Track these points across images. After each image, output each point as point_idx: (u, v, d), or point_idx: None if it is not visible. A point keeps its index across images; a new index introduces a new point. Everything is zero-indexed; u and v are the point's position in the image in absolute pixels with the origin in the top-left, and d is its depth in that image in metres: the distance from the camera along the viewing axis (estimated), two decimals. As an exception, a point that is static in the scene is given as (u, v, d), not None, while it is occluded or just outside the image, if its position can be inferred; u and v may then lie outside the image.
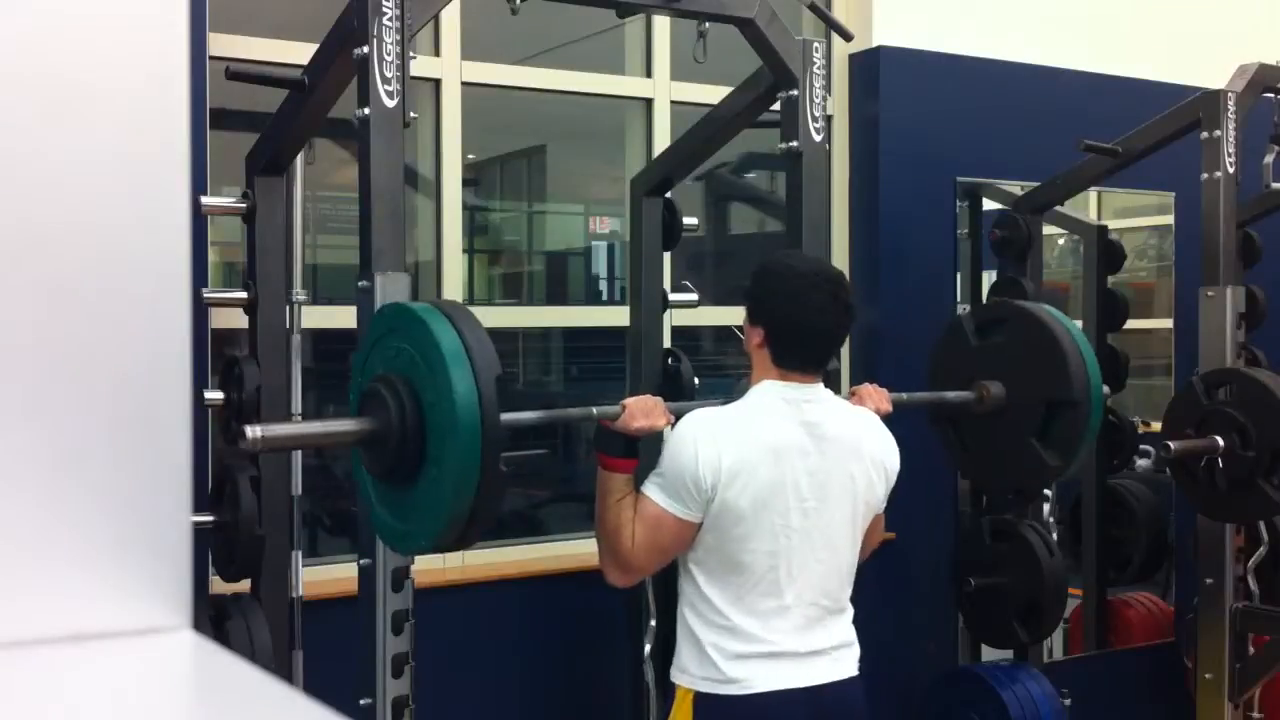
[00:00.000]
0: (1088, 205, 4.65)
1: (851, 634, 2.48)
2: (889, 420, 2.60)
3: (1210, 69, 3.84)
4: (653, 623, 3.02)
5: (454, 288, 3.51)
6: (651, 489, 2.35)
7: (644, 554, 2.35)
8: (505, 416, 1.99)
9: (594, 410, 2.37)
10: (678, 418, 2.38)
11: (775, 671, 2.34)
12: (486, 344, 1.97)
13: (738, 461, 2.29)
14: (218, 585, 2.98)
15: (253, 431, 1.94)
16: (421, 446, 1.97)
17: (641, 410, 2.33)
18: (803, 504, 2.34)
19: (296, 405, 2.93)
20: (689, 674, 2.37)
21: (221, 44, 3.10)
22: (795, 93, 2.77)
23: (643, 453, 2.45)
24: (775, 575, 2.35)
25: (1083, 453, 2.78)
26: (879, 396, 2.60)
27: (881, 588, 3.88)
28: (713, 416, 2.36)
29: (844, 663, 2.44)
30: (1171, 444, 3.28)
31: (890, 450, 2.50)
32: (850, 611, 2.50)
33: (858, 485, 2.42)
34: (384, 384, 2.00)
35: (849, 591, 2.50)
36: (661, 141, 3.78)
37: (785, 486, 2.32)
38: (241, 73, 2.79)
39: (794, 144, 2.79)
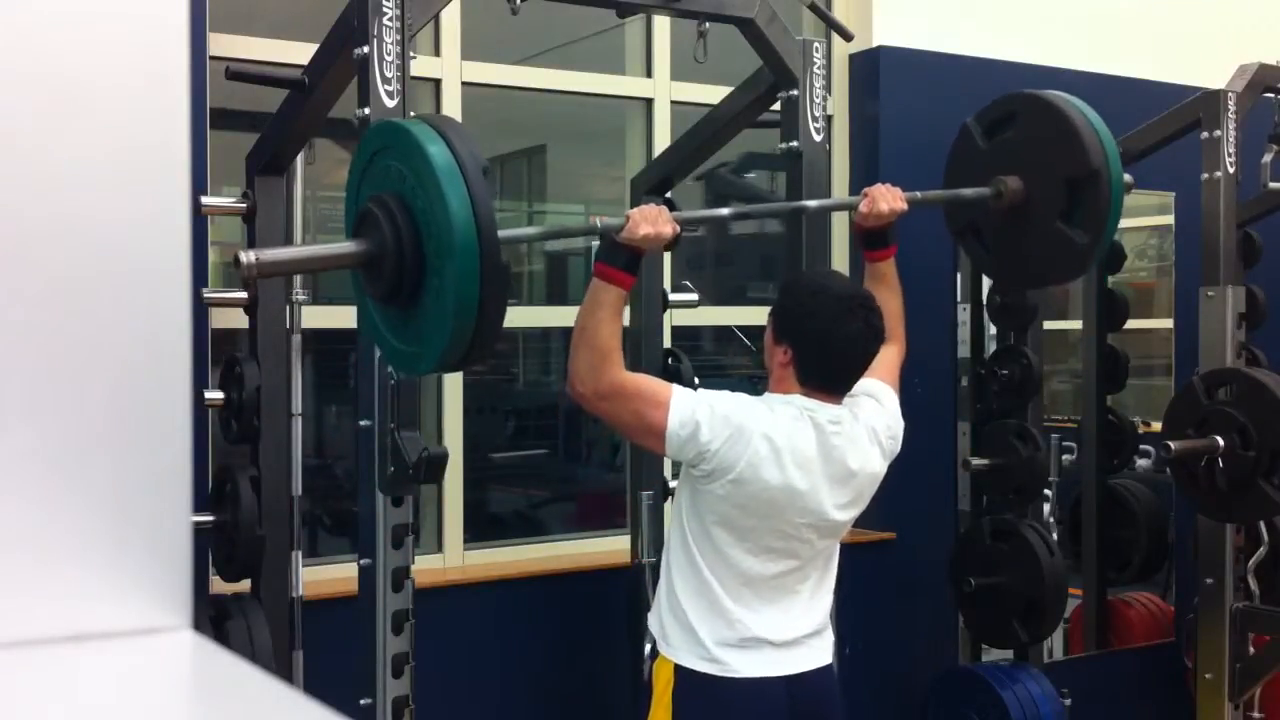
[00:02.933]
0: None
1: (828, 622, 2.49)
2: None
3: (1210, 69, 3.84)
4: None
5: (454, 288, 3.50)
6: (685, 391, 2.32)
7: (623, 400, 2.29)
8: (504, 233, 1.93)
9: (598, 222, 2.31)
10: (683, 227, 2.33)
11: (758, 659, 2.36)
12: (477, 154, 1.92)
13: (768, 462, 2.29)
14: (218, 585, 2.98)
15: (247, 256, 1.85)
16: (420, 264, 1.92)
17: (646, 218, 2.25)
18: (819, 524, 2.36)
19: (297, 405, 2.93)
20: (672, 647, 2.39)
21: (221, 44, 3.10)
22: (795, 93, 2.78)
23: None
24: (781, 580, 2.38)
25: (1111, 229, 2.66)
26: (892, 195, 2.55)
27: (881, 588, 3.88)
28: (778, 423, 2.32)
29: (820, 651, 2.45)
30: (1171, 444, 3.28)
31: (897, 438, 2.50)
32: (830, 601, 2.51)
33: (865, 501, 2.46)
34: (378, 204, 1.95)
35: (832, 582, 2.52)
36: (661, 141, 3.78)
37: (808, 505, 2.33)
38: (241, 73, 2.79)
39: (794, 144, 2.79)
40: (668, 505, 3.18)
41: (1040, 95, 2.76)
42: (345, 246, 2.03)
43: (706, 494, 2.33)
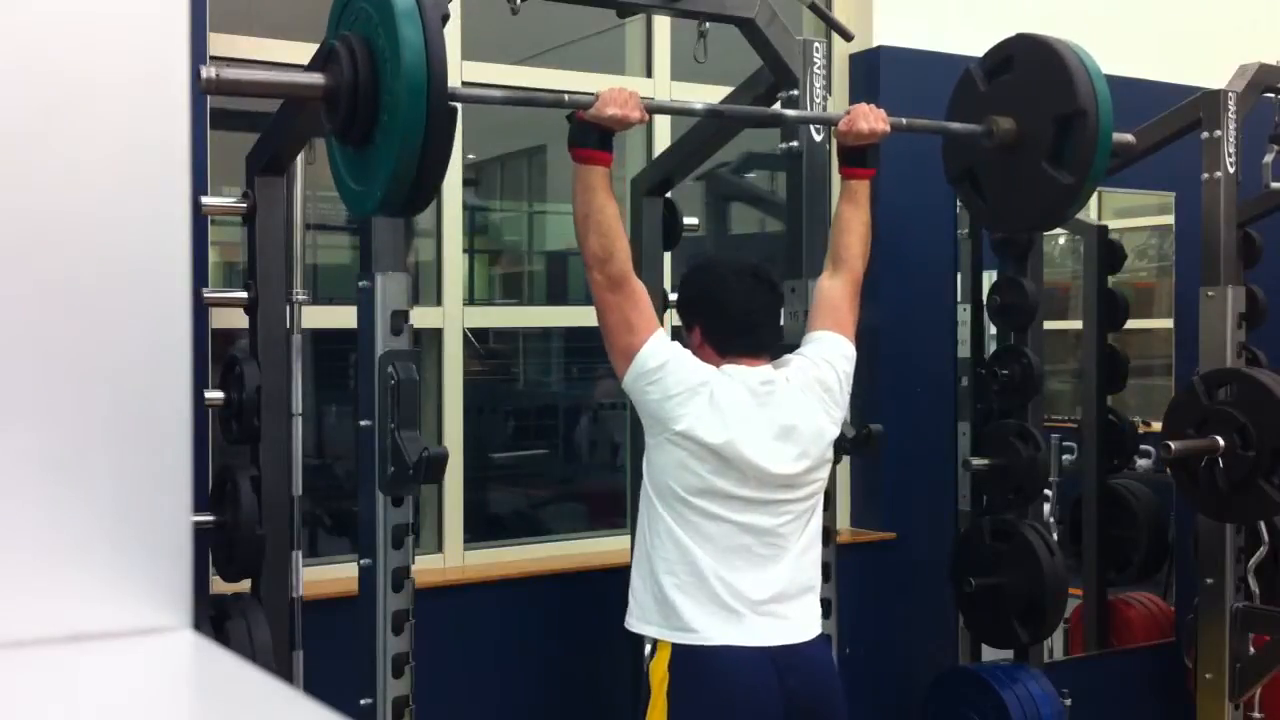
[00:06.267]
0: (1088, 205, 4.65)
1: (813, 588, 2.48)
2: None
3: (1210, 69, 3.84)
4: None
5: (454, 288, 3.51)
6: (666, 336, 2.41)
7: (624, 301, 2.36)
8: (465, 89, 1.99)
9: (565, 96, 2.31)
10: (651, 114, 2.39)
11: (737, 624, 2.36)
12: (440, 1, 1.98)
13: (713, 422, 2.33)
14: (218, 585, 2.98)
15: (208, 71, 1.91)
16: (374, 104, 1.98)
17: (615, 100, 2.27)
18: (770, 477, 2.38)
19: (297, 405, 2.93)
20: (651, 624, 2.41)
21: (221, 44, 3.10)
22: (795, 93, 2.77)
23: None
24: (752, 535, 2.39)
25: (1097, 170, 2.64)
26: (874, 116, 2.58)
27: (881, 588, 3.88)
28: (718, 388, 2.37)
29: (803, 622, 2.44)
30: (1172, 444, 3.28)
31: (832, 388, 2.49)
32: (813, 560, 2.49)
33: (816, 457, 2.45)
34: (342, 42, 2.01)
35: (818, 548, 2.51)
36: (661, 141, 3.78)
37: (753, 460, 2.36)
38: (241, 73, 2.78)
39: (794, 144, 2.79)
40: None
41: (1037, 37, 2.78)
42: (306, 77, 2.09)
43: (660, 454, 2.37)
